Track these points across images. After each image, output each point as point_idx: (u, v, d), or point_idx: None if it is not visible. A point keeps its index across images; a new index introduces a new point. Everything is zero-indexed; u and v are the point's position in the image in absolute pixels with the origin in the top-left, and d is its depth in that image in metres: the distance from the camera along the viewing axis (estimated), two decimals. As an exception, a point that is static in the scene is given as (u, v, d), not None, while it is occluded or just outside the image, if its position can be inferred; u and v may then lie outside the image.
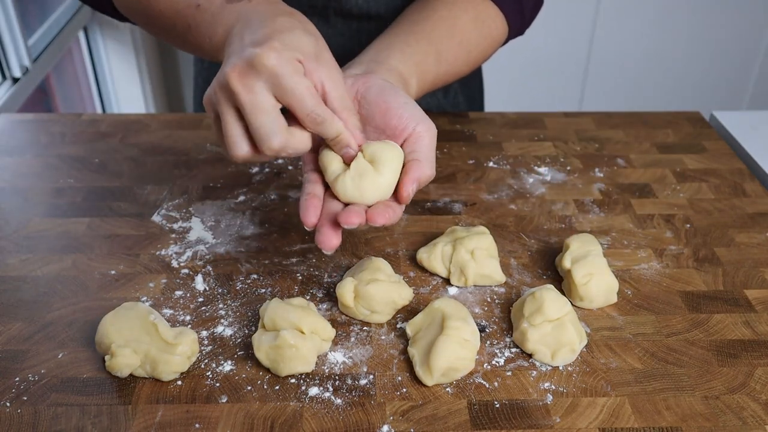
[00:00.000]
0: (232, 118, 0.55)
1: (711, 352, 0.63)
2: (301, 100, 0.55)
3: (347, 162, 0.60)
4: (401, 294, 0.66)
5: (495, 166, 0.90)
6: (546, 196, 0.85)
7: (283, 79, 0.54)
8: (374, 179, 0.58)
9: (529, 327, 0.62)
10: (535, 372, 0.61)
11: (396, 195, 0.59)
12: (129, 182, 0.86)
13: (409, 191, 0.59)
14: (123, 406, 0.57)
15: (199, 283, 0.70)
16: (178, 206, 0.82)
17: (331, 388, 0.59)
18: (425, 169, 0.59)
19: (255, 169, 0.89)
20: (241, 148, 0.56)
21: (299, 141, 0.56)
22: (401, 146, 0.61)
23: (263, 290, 0.70)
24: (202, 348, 0.63)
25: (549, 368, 0.61)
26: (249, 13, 0.59)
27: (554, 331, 0.62)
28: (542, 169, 0.90)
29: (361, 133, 0.61)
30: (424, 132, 0.61)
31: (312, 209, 0.59)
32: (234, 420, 0.56)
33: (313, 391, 0.59)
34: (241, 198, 0.83)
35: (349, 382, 0.60)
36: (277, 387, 0.59)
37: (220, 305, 0.68)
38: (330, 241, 0.57)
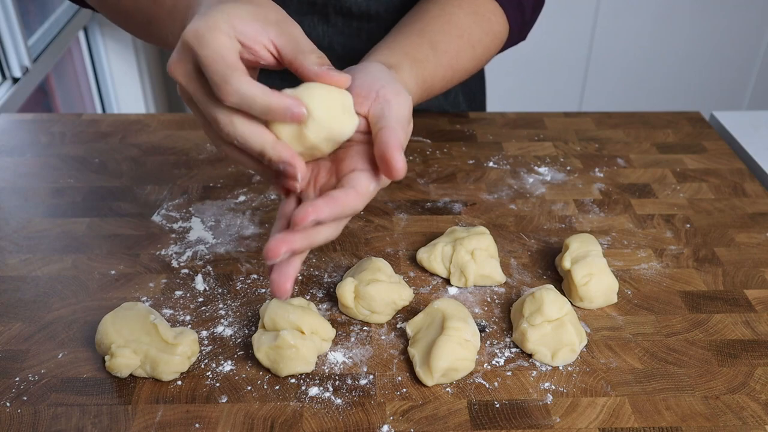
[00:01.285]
0: (194, 108, 0.52)
1: (711, 352, 0.63)
2: (207, 66, 0.49)
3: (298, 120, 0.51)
4: (401, 294, 0.66)
5: (495, 166, 0.90)
6: (546, 196, 0.85)
7: (197, 49, 0.49)
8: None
9: (528, 327, 0.62)
10: (535, 372, 0.61)
11: (386, 172, 0.50)
12: (129, 182, 0.86)
13: (398, 160, 0.50)
14: (123, 406, 0.57)
15: (199, 283, 0.70)
16: (178, 206, 0.82)
17: (331, 388, 0.59)
18: (398, 133, 0.51)
19: (255, 169, 0.89)
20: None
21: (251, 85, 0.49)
22: (366, 116, 0.53)
23: (263, 290, 0.70)
24: (202, 348, 0.63)
25: (549, 368, 0.61)
26: (197, 4, 0.54)
27: (554, 332, 0.62)
28: (542, 169, 0.90)
29: (326, 68, 0.52)
30: (391, 96, 0.53)
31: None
32: (234, 420, 0.56)
33: (313, 391, 0.59)
34: (241, 198, 0.83)
35: (349, 382, 0.60)
36: (277, 387, 0.59)
37: (220, 305, 0.68)
38: (281, 281, 0.50)
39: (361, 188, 0.51)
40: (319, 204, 0.49)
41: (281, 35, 0.51)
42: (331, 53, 0.94)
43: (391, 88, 0.54)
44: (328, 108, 0.51)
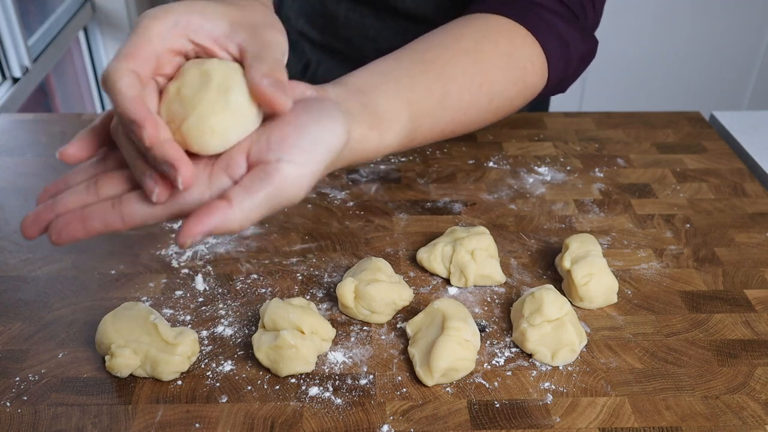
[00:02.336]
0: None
1: (711, 352, 0.63)
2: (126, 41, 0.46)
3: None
4: (401, 295, 0.66)
5: (495, 166, 0.90)
6: (546, 196, 0.85)
7: (133, 29, 0.47)
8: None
9: (528, 327, 0.62)
10: (535, 372, 0.61)
11: (178, 231, 0.44)
12: (129, 182, 0.86)
13: (193, 233, 0.43)
14: (123, 406, 0.57)
15: (199, 283, 0.70)
16: (178, 206, 0.82)
17: (331, 388, 0.59)
18: (232, 220, 0.44)
19: (255, 169, 0.89)
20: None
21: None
22: (247, 161, 0.46)
23: (263, 290, 0.70)
24: (202, 348, 0.63)
25: (549, 368, 0.61)
26: None
27: (554, 332, 0.62)
28: (542, 169, 0.90)
29: (283, 93, 0.46)
30: (288, 172, 0.45)
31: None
32: (234, 420, 0.56)
33: (313, 391, 0.59)
34: (241, 198, 0.83)
35: (349, 382, 0.60)
36: (277, 387, 0.59)
37: (220, 305, 0.68)
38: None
39: (131, 219, 0.46)
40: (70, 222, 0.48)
41: (251, 38, 0.48)
42: (375, 45, 0.92)
43: (296, 169, 0.45)
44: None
